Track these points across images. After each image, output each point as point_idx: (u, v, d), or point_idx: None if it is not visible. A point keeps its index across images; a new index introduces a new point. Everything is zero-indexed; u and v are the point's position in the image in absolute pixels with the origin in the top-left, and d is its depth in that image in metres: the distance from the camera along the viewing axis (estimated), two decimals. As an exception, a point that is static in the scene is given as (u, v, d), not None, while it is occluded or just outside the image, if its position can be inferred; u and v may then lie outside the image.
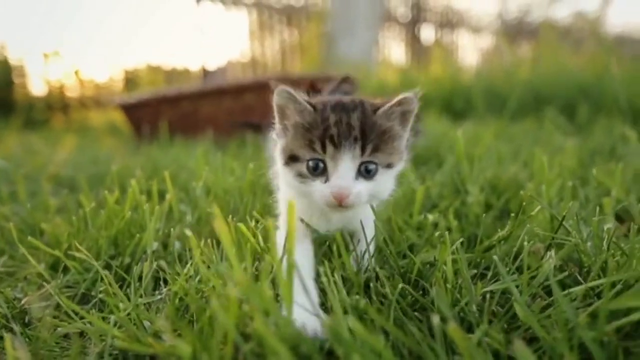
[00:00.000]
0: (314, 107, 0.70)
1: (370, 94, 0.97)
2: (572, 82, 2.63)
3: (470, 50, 8.04)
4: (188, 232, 0.79)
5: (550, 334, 0.54)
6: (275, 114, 0.74)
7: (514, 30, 8.10)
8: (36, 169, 1.58)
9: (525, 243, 0.66)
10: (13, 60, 5.56)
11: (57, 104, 5.71)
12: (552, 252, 0.67)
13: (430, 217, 0.87)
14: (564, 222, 0.77)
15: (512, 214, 0.78)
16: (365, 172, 0.68)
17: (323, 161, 0.68)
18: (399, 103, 0.69)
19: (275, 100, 0.72)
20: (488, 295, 0.62)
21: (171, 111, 2.43)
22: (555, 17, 7.83)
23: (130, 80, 6.34)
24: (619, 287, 0.60)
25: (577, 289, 0.60)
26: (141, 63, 6.60)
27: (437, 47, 6.30)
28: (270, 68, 6.45)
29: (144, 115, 2.47)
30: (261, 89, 2.23)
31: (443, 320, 0.56)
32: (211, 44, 6.31)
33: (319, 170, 0.68)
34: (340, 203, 0.66)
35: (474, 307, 0.61)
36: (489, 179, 1.17)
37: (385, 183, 0.71)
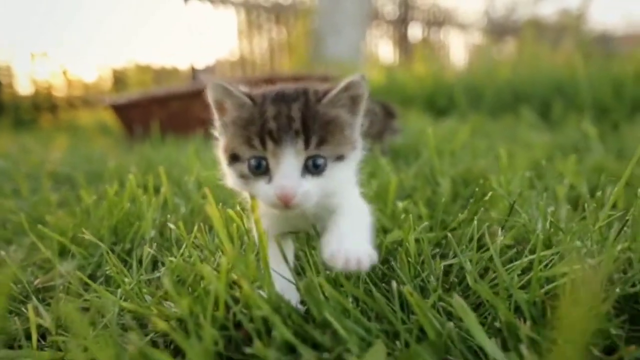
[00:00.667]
0: (252, 99, 0.65)
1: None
2: (548, 80, 2.76)
3: (458, 48, 8.18)
4: (171, 225, 0.89)
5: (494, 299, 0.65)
6: (214, 111, 0.70)
7: (500, 28, 8.24)
8: (34, 167, 1.66)
9: (475, 223, 0.76)
10: (0, 61, 5.60)
11: (44, 104, 5.76)
12: (502, 232, 0.77)
13: (401, 204, 0.97)
14: (519, 208, 0.88)
15: (471, 200, 0.88)
16: (313, 167, 0.62)
17: (265, 159, 0.62)
18: (346, 88, 0.65)
19: (211, 95, 0.67)
20: (443, 268, 0.73)
21: (162, 111, 2.51)
22: (540, 14, 7.99)
23: (119, 80, 6.39)
24: (555, 258, 0.71)
25: (519, 263, 0.71)
26: (130, 62, 6.66)
27: (421, 46, 6.43)
28: (259, 67, 6.54)
29: (135, 115, 2.55)
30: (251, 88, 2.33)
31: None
32: (200, 43, 6.37)
33: (261, 169, 0.63)
34: (286, 204, 0.61)
35: (432, 278, 0.72)
36: (461, 172, 1.28)
37: (337, 177, 0.65)
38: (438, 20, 7.72)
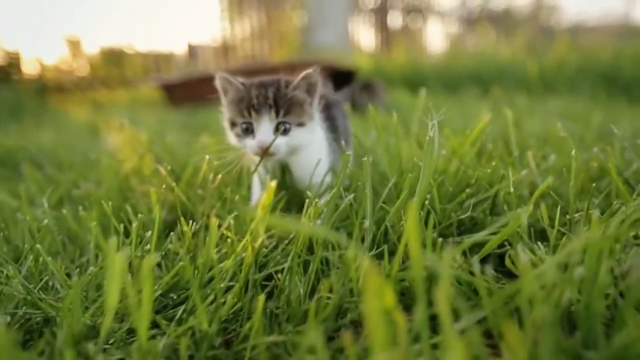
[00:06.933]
0: (244, 85, 0.97)
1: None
2: (495, 66, 3.90)
3: (436, 36, 9.28)
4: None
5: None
6: (220, 93, 1.01)
7: (477, 17, 9.37)
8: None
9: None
10: (9, 49, 6.40)
11: (54, 87, 6.56)
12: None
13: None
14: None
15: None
16: (283, 129, 0.93)
17: (251, 123, 0.94)
18: (304, 78, 0.95)
19: (218, 83, 0.99)
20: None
21: (202, 88, 3.56)
22: (515, 4, 9.18)
23: (120, 63, 7.20)
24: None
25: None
26: (129, 47, 7.48)
27: (400, 34, 7.49)
28: (242, 53, 7.42)
29: (180, 92, 3.59)
30: (279, 70, 3.40)
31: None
32: (186, 29, 7.23)
33: (249, 131, 0.94)
34: (264, 152, 0.91)
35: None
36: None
37: (300, 137, 0.95)
38: (417, 9, 8.76)
